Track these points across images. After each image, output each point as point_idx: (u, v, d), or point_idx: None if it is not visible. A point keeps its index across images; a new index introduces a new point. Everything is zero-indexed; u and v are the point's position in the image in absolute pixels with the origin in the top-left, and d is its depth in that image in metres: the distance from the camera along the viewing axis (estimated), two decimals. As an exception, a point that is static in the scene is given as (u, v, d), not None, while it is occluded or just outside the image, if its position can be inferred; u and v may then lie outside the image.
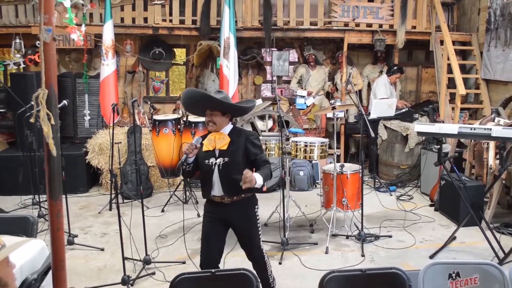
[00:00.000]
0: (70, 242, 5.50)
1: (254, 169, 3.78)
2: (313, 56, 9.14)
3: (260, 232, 3.95)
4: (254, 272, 2.81)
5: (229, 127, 3.87)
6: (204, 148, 3.79)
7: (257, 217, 3.92)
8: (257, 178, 3.55)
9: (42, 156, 6.30)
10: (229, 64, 7.82)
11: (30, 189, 6.65)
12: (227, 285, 2.79)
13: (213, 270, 2.77)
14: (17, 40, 8.15)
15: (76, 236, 5.78)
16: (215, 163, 3.74)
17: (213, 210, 3.86)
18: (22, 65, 8.28)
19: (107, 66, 7.67)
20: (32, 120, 2.46)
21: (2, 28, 8.28)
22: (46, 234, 5.64)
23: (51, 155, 2.36)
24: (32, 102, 2.18)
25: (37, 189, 6.50)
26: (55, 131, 2.34)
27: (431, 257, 5.11)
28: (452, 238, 5.44)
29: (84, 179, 7.78)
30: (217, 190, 3.77)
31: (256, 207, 3.92)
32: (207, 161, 3.77)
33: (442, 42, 8.47)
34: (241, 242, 3.98)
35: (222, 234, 3.92)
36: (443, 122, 7.71)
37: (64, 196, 5.74)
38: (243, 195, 3.78)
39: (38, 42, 7.92)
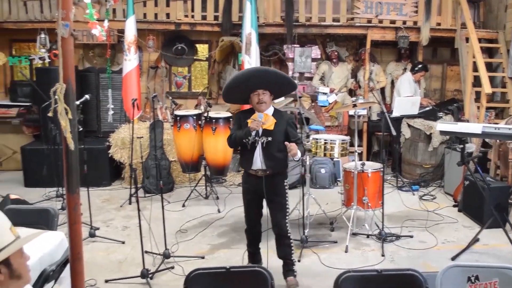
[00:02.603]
0: (92, 235, 5.57)
1: None
2: (336, 53, 9.07)
3: (288, 205, 4.45)
4: (269, 270, 2.79)
5: (271, 108, 4.35)
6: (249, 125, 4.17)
7: (286, 190, 4.43)
8: (298, 152, 4.09)
9: (61, 150, 6.40)
10: (250, 60, 7.79)
11: (54, 182, 6.76)
12: (242, 282, 2.78)
13: (227, 266, 2.76)
14: (42, 35, 8.26)
15: (98, 228, 5.84)
16: (259, 140, 4.19)
17: (250, 182, 4.35)
18: (47, 60, 8.38)
19: (130, 61, 7.71)
20: (50, 114, 2.48)
21: (27, 23, 8.40)
22: (66, 226, 5.71)
23: (69, 149, 2.38)
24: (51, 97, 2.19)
25: (61, 182, 6.58)
26: (73, 126, 2.36)
27: (453, 258, 5.02)
28: (475, 239, 5.34)
29: (107, 172, 7.86)
30: (257, 164, 4.23)
31: (286, 180, 4.44)
32: (250, 137, 4.18)
33: (467, 40, 8.30)
34: (271, 215, 4.43)
35: (259, 202, 4.46)
36: (467, 121, 7.58)
37: (86, 189, 5.83)
38: (278, 170, 4.29)
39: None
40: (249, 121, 4.16)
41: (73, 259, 2.50)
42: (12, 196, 5.63)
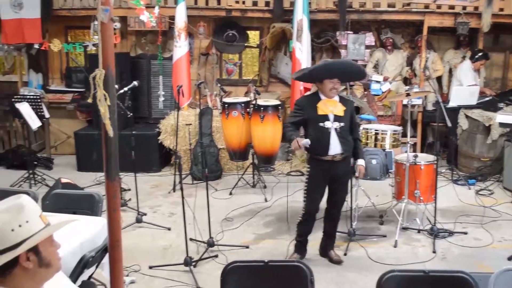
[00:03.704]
0: (139, 220, 5.63)
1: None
2: (391, 40, 8.74)
3: None
4: (308, 265, 2.68)
5: (337, 96, 4.56)
6: (320, 112, 4.39)
7: None
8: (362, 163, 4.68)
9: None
10: (302, 47, 7.65)
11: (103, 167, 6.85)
12: (280, 277, 2.69)
13: (266, 260, 2.68)
14: (96, 22, 8.34)
15: (145, 214, 5.90)
16: (332, 126, 4.36)
17: (323, 167, 4.45)
18: (101, 46, 8.49)
19: (180, 48, 7.72)
20: (89, 100, 2.46)
21: (81, 10, 8.53)
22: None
23: (108, 136, 2.34)
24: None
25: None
26: (112, 112, 2.32)
27: (510, 258, 4.74)
28: (535, 238, 5.03)
29: (157, 159, 7.93)
30: (333, 149, 4.39)
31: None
32: (322, 124, 4.38)
33: (533, 26, 7.81)
34: (336, 194, 4.62)
35: (325, 188, 4.59)
36: (531, 112, 7.14)
37: (134, 175, 5.89)
38: (350, 152, 4.54)
39: (115, 24, 8.02)
40: (293, 143, 4.35)
41: (111, 246, 2.48)
42: (63, 180, 5.74)
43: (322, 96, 4.48)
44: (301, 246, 4.78)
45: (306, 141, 4.30)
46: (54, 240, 1.97)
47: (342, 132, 4.41)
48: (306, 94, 4.71)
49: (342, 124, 4.41)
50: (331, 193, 4.65)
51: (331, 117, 4.40)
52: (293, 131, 4.46)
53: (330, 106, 4.41)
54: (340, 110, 4.43)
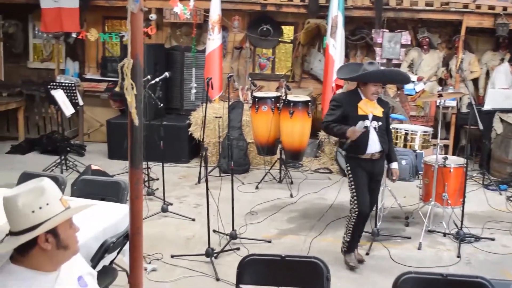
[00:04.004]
0: (164, 210, 5.70)
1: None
2: (427, 39, 8.59)
3: None
4: (325, 262, 2.67)
5: None
6: (360, 112, 4.42)
7: None
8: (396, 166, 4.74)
9: (145, 125, 6.59)
10: (335, 44, 7.59)
11: (133, 156, 6.96)
12: (296, 272, 2.69)
13: (283, 255, 2.68)
14: (134, 13, 8.47)
15: (171, 204, 5.97)
16: (371, 125, 4.41)
17: (365, 165, 4.47)
18: (136, 37, 8.61)
19: (213, 41, 7.77)
20: (117, 89, 2.50)
21: (118, 0, 8.66)
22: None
23: (133, 125, 2.39)
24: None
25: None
26: (139, 101, 2.36)
27: (537, 266, 4.63)
28: None
29: (186, 150, 8.01)
30: (373, 148, 4.43)
31: None
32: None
33: None
34: (374, 190, 4.64)
35: (368, 185, 4.56)
36: None
37: (162, 164, 5.97)
38: (387, 151, 4.58)
39: (151, 16, 8.15)
40: (349, 131, 4.29)
41: (132, 233, 2.52)
42: (93, 167, 5.87)
43: (362, 96, 4.47)
44: (352, 249, 4.65)
45: (360, 124, 4.27)
46: (73, 224, 2.03)
47: (380, 131, 4.46)
48: (343, 91, 4.67)
49: (380, 123, 4.47)
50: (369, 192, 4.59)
51: (370, 116, 4.44)
52: (338, 125, 4.40)
53: (370, 107, 4.45)
54: (379, 111, 4.48)
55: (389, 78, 4.90)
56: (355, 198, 4.45)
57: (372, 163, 4.48)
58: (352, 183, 4.48)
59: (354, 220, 4.47)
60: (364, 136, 4.37)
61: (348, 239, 4.58)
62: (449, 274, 2.54)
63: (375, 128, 4.44)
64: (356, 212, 4.43)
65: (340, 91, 7.91)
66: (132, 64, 2.30)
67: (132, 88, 2.29)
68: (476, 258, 4.86)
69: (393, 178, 4.75)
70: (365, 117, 4.40)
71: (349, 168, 4.54)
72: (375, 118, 4.45)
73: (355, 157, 4.47)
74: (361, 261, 4.69)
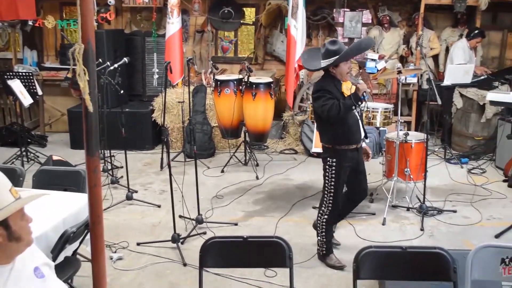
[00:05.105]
0: (129, 198, 5.64)
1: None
2: (388, 18, 8.66)
3: None
4: (287, 241, 2.69)
5: None
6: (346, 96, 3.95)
7: None
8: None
9: (106, 113, 6.48)
10: (297, 25, 7.56)
11: (96, 144, 6.85)
12: (259, 253, 2.70)
13: (245, 236, 2.69)
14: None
15: (136, 191, 5.92)
16: (356, 110, 4.06)
17: (352, 157, 4.12)
18: (95, 23, 8.42)
19: (172, 25, 7.66)
20: (69, 75, 2.44)
21: (76, -14, 8.43)
22: (106, 188, 5.82)
23: (88, 111, 2.33)
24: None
25: (100, 144, 6.67)
26: (92, 87, 2.30)
27: (497, 236, 4.76)
28: (523, 217, 5.04)
29: (150, 136, 7.93)
30: (361, 136, 4.16)
31: None
32: (354, 107, 3.98)
33: (531, 4, 7.72)
34: (359, 182, 4.31)
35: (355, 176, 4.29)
36: (526, 91, 7.09)
37: (124, 152, 5.90)
38: None
39: (109, 1, 7.96)
40: (345, 88, 3.96)
41: (92, 222, 2.48)
42: (55, 157, 5.75)
43: (339, 79, 4.08)
44: (330, 244, 4.38)
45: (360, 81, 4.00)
46: (26, 214, 1.98)
47: (361, 116, 4.17)
48: (319, 80, 4.32)
49: (362, 104, 4.05)
50: (355, 184, 4.33)
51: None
52: (337, 101, 3.93)
53: (351, 89, 3.97)
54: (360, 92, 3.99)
55: (356, 50, 4.51)
56: (331, 196, 4.16)
57: (357, 152, 4.16)
58: (333, 182, 4.12)
59: (325, 217, 4.24)
60: (357, 124, 4.06)
61: (324, 239, 4.29)
62: (408, 247, 2.60)
63: (358, 113, 4.10)
64: (330, 208, 4.19)
65: (302, 72, 7.95)
66: (84, 49, 2.24)
67: (85, 74, 2.23)
68: (439, 230, 4.97)
69: (366, 158, 4.38)
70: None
71: (334, 164, 4.08)
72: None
73: (343, 150, 4.06)
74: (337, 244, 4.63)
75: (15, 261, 2.01)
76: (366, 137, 4.33)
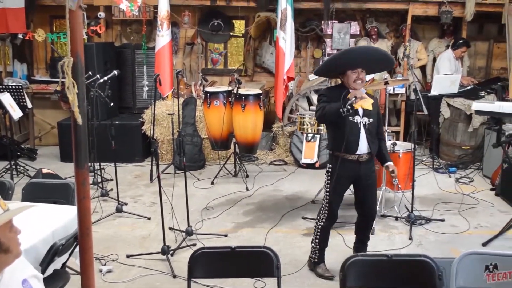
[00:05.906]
0: (119, 210, 5.64)
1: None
2: (376, 29, 8.77)
3: None
4: (275, 251, 2.72)
5: (363, 89, 4.03)
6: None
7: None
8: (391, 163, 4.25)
9: (96, 125, 6.49)
10: (285, 37, 7.63)
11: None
12: (247, 263, 2.73)
13: (233, 246, 2.71)
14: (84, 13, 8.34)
15: (126, 204, 5.92)
16: (361, 121, 3.96)
17: (348, 168, 4.05)
18: (85, 36, 8.46)
19: (162, 37, 7.70)
20: (58, 88, 2.47)
21: (65, -1, 8.48)
22: (96, 201, 5.82)
23: (77, 124, 2.36)
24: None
25: (91, 156, 6.66)
26: (82, 100, 2.33)
27: (484, 244, 4.81)
28: (510, 225, 5.09)
29: (140, 148, 7.94)
30: (363, 149, 4.01)
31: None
32: (352, 118, 3.93)
33: (516, 15, 7.85)
34: (364, 197, 4.23)
35: (346, 190, 4.28)
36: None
37: (114, 164, 5.91)
38: (374, 154, 4.12)
39: (99, 14, 8.00)
40: (354, 93, 3.81)
41: (81, 234, 2.50)
42: (44, 170, 5.75)
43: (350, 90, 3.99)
44: (323, 253, 4.36)
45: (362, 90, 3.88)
46: (14, 226, 2.00)
47: (370, 129, 4.01)
48: (330, 85, 4.25)
49: (371, 119, 4.01)
50: (360, 201, 4.29)
51: (361, 111, 3.97)
52: (328, 104, 3.89)
53: (360, 100, 3.88)
54: (369, 103, 3.97)
55: (363, 57, 4.07)
56: (327, 203, 4.18)
57: (358, 165, 4.05)
58: (328, 188, 4.14)
59: (321, 224, 4.23)
60: (355, 134, 3.97)
61: (317, 247, 4.28)
62: (394, 255, 2.64)
63: (365, 125, 3.99)
64: (326, 215, 4.19)
65: (292, 83, 8.03)
66: (73, 62, 2.27)
67: (74, 87, 2.26)
68: (427, 239, 5.02)
69: (393, 175, 4.23)
70: (355, 112, 3.93)
71: (330, 170, 4.11)
72: (366, 113, 4.00)
73: (341, 157, 4.01)
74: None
75: (3, 273, 2.02)
76: (389, 159, 4.26)
